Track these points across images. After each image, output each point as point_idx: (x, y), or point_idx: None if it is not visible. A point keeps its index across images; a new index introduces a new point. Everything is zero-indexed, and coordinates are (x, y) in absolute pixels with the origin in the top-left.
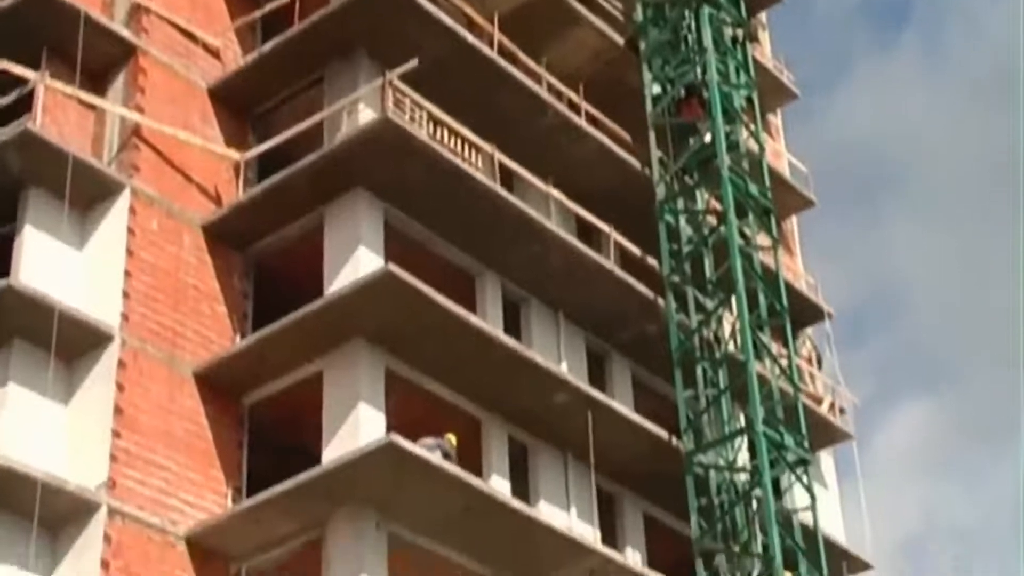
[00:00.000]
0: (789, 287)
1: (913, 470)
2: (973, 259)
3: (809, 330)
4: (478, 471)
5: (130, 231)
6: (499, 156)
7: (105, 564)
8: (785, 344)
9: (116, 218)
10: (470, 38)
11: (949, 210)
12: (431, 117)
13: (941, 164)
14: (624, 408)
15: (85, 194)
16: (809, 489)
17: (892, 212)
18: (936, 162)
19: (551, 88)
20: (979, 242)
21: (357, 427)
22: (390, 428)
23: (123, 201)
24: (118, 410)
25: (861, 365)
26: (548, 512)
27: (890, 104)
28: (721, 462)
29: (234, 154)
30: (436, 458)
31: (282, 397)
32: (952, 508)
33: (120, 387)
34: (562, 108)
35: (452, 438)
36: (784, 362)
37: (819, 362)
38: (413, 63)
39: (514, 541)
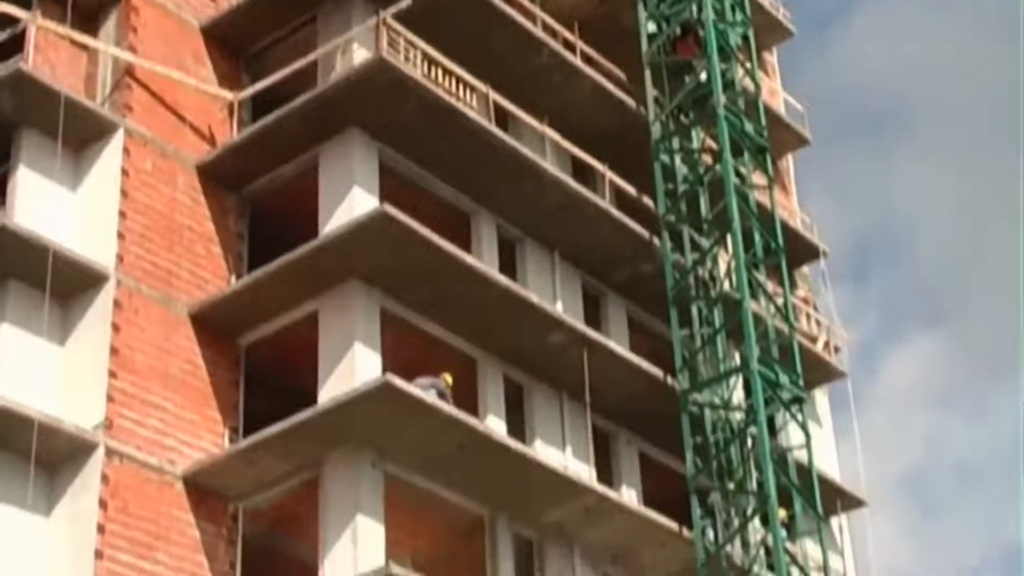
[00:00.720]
0: (784, 226)
1: (917, 404)
2: (978, 195)
3: (805, 269)
4: (474, 410)
5: (124, 172)
6: (493, 95)
7: (103, 504)
8: (780, 283)
9: (110, 158)
10: None
11: (954, 146)
12: (425, 56)
13: (947, 100)
14: (620, 348)
15: (78, 134)
16: (804, 427)
17: (897, 149)
18: (942, 98)
19: (546, 27)
20: (984, 178)
21: (353, 367)
22: (386, 368)
23: (116, 141)
24: (114, 350)
25: (866, 301)
26: (544, 451)
27: (895, 40)
28: (716, 401)
29: (227, 94)
30: (431, 397)
31: (278, 338)
32: (955, 441)
33: (116, 327)
34: (557, 47)
35: (448, 377)
36: (779, 301)
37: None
38: (407, 2)
39: (510, 480)
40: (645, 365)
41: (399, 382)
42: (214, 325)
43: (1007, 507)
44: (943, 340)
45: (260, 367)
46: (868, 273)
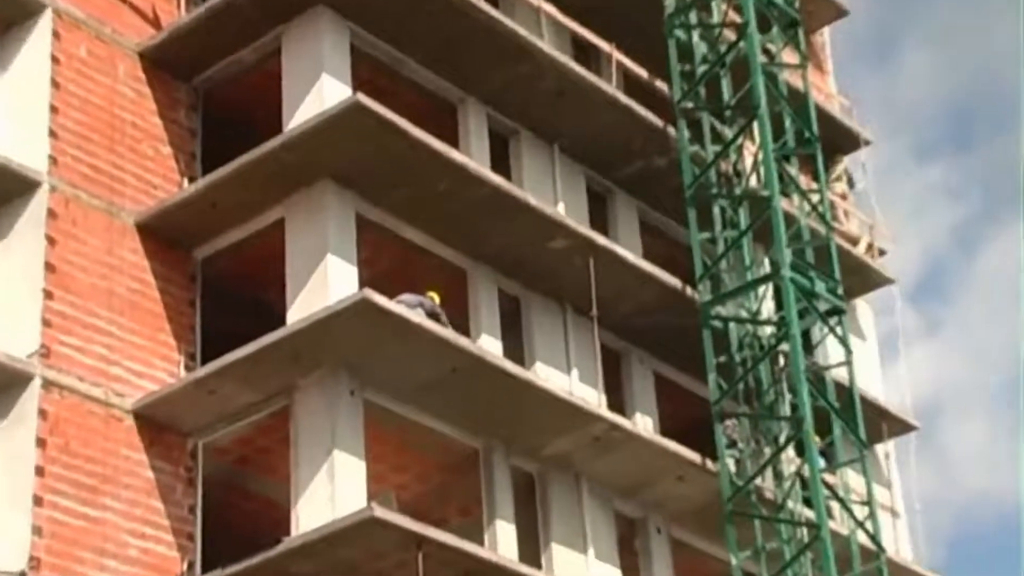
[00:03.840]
0: (819, 110)
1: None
2: None
3: (845, 160)
4: (465, 329)
5: (54, 59)
6: None
7: (41, 442)
8: (815, 177)
9: (37, 44)
10: None
11: None
12: None
13: None
14: (630, 254)
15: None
16: (844, 342)
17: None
18: None
19: None
20: None
21: (326, 282)
22: (363, 282)
23: (44, 23)
24: (49, 267)
25: (967, 174)
26: (545, 374)
27: None
28: (743, 313)
29: None
30: (418, 316)
31: (239, 249)
32: None
33: (51, 240)
34: None
35: (435, 295)
36: (815, 197)
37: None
38: None
39: (507, 407)
40: (660, 273)
41: (379, 298)
42: (165, 236)
43: None
44: None
45: (219, 283)
46: (970, 142)
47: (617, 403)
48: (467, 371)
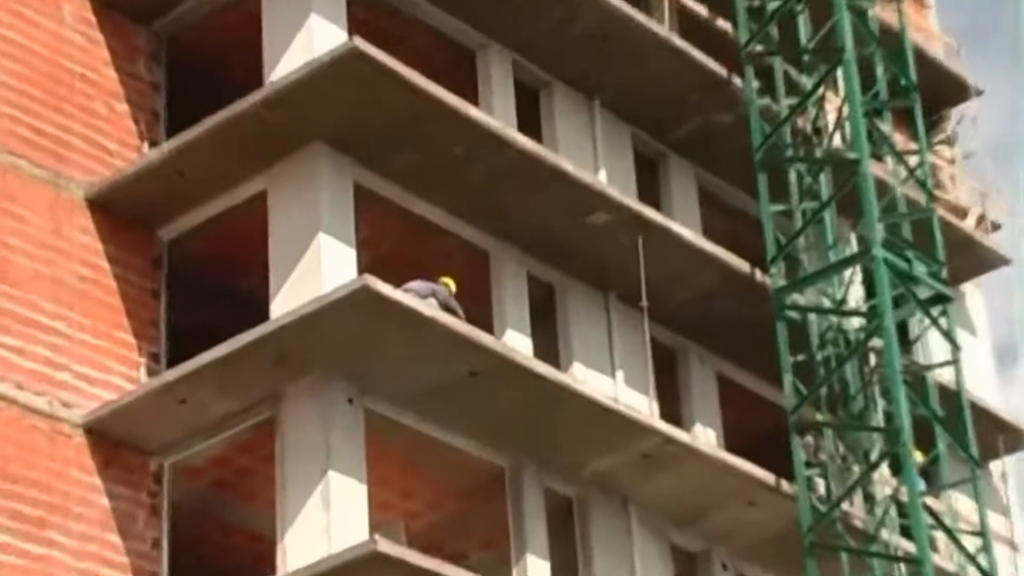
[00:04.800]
0: (918, 53)
1: None
2: None
3: (952, 114)
4: (488, 324)
5: None
6: None
7: None
8: (914, 135)
9: None
10: None
11: None
12: None
13: None
14: (687, 231)
15: None
16: (949, 336)
17: None
18: None
19: None
20: None
21: (318, 267)
22: (363, 267)
23: None
24: None
25: None
26: (585, 377)
27: None
28: (825, 302)
29: None
30: (429, 308)
31: (212, 228)
32: None
33: None
34: None
35: (450, 283)
36: (913, 160)
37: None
38: None
39: (539, 418)
40: (723, 254)
41: (383, 286)
42: (123, 213)
43: None
44: None
45: (189, 270)
46: None
47: (672, 412)
48: (490, 374)
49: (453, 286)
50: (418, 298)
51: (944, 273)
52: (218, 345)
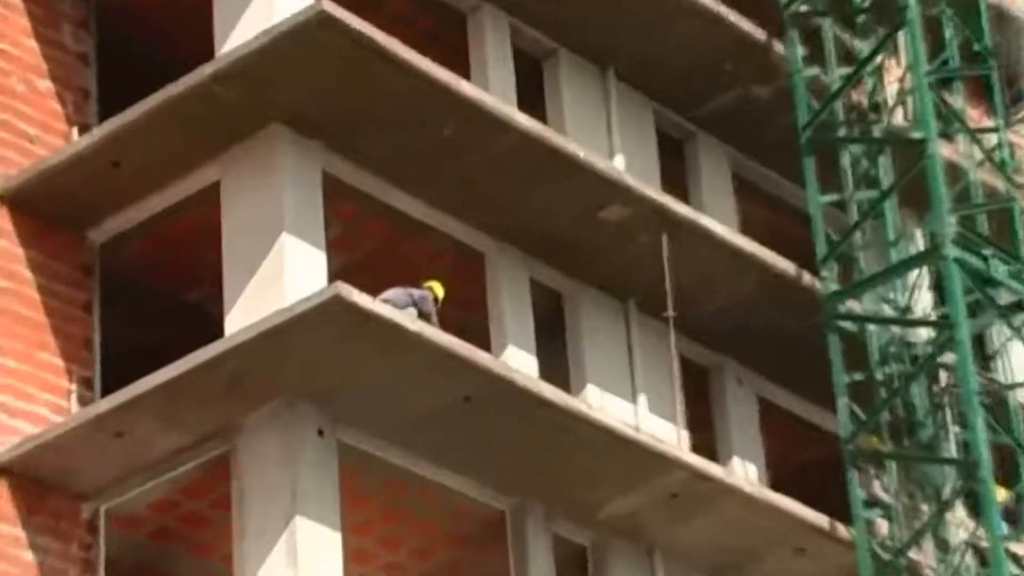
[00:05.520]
0: (997, 13)
1: None
2: None
3: None
4: (484, 339)
5: None
6: None
7: None
8: (991, 111)
9: None
10: None
11: None
12: None
13: None
14: (721, 226)
15: None
16: None
17: None
18: None
19: None
20: None
21: (281, 273)
22: (335, 273)
23: None
24: None
25: None
26: (601, 401)
27: None
28: (886, 310)
29: None
30: (413, 320)
31: (154, 228)
32: None
33: None
34: None
35: (436, 287)
36: (990, 140)
37: None
38: None
39: (546, 451)
40: (764, 254)
41: (359, 296)
42: (47, 211)
43: None
44: None
45: (126, 278)
46: None
47: (705, 443)
48: (487, 400)
49: (440, 291)
50: (399, 308)
51: None
52: (162, 368)
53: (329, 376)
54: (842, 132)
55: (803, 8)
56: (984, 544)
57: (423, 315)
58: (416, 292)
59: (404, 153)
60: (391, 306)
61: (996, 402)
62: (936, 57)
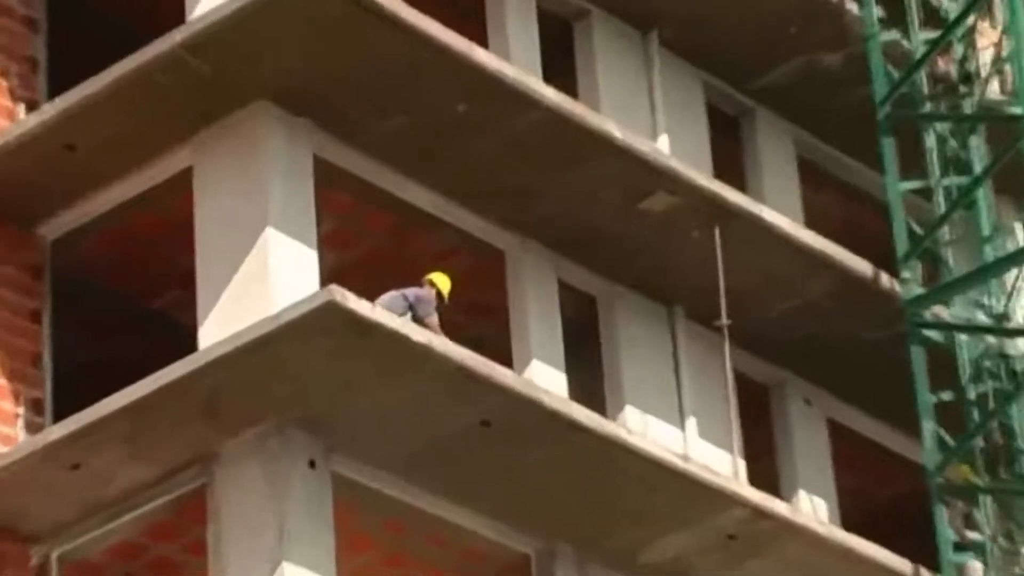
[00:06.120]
0: None
1: None
2: None
3: None
4: (505, 352)
5: None
6: None
7: None
8: None
9: None
10: None
11: None
12: None
13: None
14: (783, 218)
15: None
16: None
17: None
18: None
19: None
20: None
21: (265, 275)
22: (329, 275)
23: None
24: None
25: None
26: (641, 425)
27: None
28: (980, 318)
29: None
30: (418, 329)
31: (115, 223)
32: None
33: None
34: None
35: (440, 280)
36: None
37: None
38: None
39: (577, 485)
40: (834, 250)
41: (357, 302)
42: None
43: None
44: None
45: (83, 282)
46: None
47: (766, 473)
48: (508, 424)
49: (444, 285)
50: (397, 313)
51: None
52: (126, 388)
53: (322, 397)
54: (927, 107)
55: None
56: None
57: (418, 320)
58: (412, 292)
59: (409, 134)
60: (390, 307)
61: None
62: None
